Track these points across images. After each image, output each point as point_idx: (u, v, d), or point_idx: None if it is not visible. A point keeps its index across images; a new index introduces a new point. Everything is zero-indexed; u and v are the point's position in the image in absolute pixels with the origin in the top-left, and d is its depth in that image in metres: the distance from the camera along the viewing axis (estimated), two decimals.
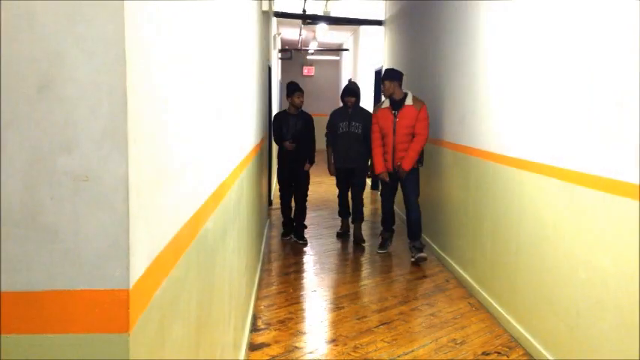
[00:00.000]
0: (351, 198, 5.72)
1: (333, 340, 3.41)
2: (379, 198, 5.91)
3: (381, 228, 5.45)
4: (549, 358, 2.97)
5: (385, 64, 8.12)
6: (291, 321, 3.68)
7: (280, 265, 5.02)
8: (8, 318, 0.89)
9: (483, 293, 4.00)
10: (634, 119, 2.26)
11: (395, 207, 5.41)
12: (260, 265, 4.66)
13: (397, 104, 4.94)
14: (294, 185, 5.71)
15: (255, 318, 3.68)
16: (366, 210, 6.19)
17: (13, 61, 0.86)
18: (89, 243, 0.90)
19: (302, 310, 3.93)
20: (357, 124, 5.45)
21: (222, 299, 2.15)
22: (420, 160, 4.97)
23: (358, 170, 5.59)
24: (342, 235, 5.94)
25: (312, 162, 5.67)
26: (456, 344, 3.37)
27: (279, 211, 6.17)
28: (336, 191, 5.91)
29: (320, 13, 8.56)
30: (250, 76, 3.69)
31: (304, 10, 8.39)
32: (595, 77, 2.56)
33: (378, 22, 8.61)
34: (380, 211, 5.62)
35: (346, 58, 14.10)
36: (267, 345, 3.29)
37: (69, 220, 0.89)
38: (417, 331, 3.58)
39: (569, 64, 2.80)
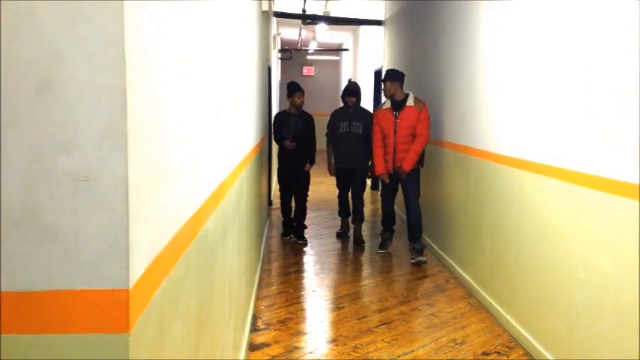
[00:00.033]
0: (352, 198, 5.71)
1: (333, 340, 3.41)
2: (379, 198, 5.91)
3: (381, 228, 5.45)
4: (549, 358, 2.97)
5: (385, 64, 8.12)
6: (291, 321, 3.68)
7: (280, 265, 5.02)
8: (8, 318, 0.89)
9: (483, 293, 4.00)
10: (633, 119, 2.26)
11: (395, 207, 5.41)
12: (260, 265, 4.66)
13: (398, 105, 4.94)
14: (295, 185, 5.71)
15: (255, 318, 3.68)
16: (366, 210, 6.19)
17: (13, 61, 0.86)
18: (89, 243, 0.90)
19: (302, 310, 3.93)
20: (358, 124, 5.44)
21: (222, 299, 2.15)
22: (420, 161, 4.96)
23: (359, 170, 5.58)
24: (341, 235, 5.94)
25: (312, 162, 5.67)
26: (456, 344, 3.37)
27: (279, 211, 6.17)
28: (336, 191, 5.90)
29: (320, 13, 8.56)
30: (250, 76, 3.69)
31: (304, 10, 8.39)
32: (594, 77, 2.56)
33: (378, 22, 8.61)
34: (380, 211, 5.62)
35: (346, 58, 14.11)
36: (267, 345, 3.29)
37: (68, 220, 0.89)
38: (417, 331, 3.58)
39: (568, 64, 2.80)
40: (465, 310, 3.92)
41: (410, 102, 4.89)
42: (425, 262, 4.89)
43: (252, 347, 3.26)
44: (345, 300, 4.12)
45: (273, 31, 8.95)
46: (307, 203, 5.83)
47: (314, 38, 12.79)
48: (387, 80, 4.99)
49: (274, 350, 3.23)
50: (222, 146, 2.17)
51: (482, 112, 4.07)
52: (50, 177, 0.88)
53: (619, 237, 2.37)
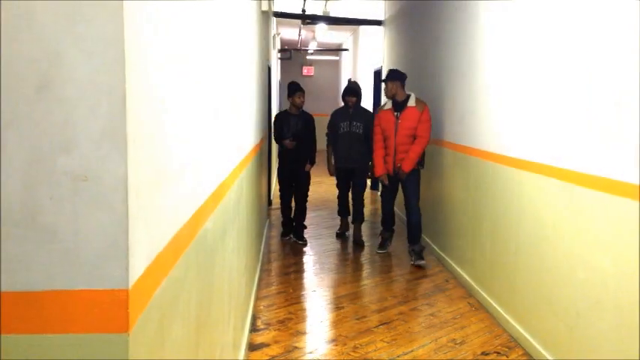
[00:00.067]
0: (352, 198, 5.71)
1: (333, 340, 3.41)
2: (379, 198, 5.91)
3: (381, 228, 5.45)
4: (549, 358, 2.97)
5: (385, 65, 8.12)
6: (291, 321, 3.68)
7: (280, 265, 5.02)
8: (8, 318, 0.89)
9: (483, 293, 4.00)
10: (633, 119, 2.27)
11: (395, 208, 5.41)
12: (260, 265, 4.66)
13: (399, 106, 4.92)
14: (295, 185, 5.71)
15: (254, 318, 3.68)
16: (366, 210, 6.19)
17: (13, 61, 0.86)
18: (88, 243, 0.90)
19: (301, 310, 3.93)
20: (359, 123, 5.44)
21: (222, 299, 2.16)
22: (421, 162, 4.94)
23: (359, 170, 5.58)
24: (341, 235, 5.94)
25: (312, 162, 5.67)
26: (456, 344, 3.37)
27: (278, 211, 6.17)
28: (336, 191, 5.90)
29: (319, 13, 8.57)
30: (249, 76, 3.69)
31: (304, 10, 8.40)
32: (594, 77, 2.56)
33: (378, 22, 8.61)
34: (380, 211, 5.62)
35: (346, 58, 14.11)
36: (267, 345, 3.29)
37: (68, 220, 0.89)
38: (417, 331, 3.58)
39: (568, 64, 2.80)
40: (465, 310, 3.92)
41: (411, 103, 4.88)
42: (425, 266, 4.88)
43: (252, 347, 3.26)
44: (344, 300, 4.12)
45: (273, 31, 8.95)
46: (307, 203, 5.83)
47: (314, 38, 12.79)
48: (389, 80, 4.97)
49: (274, 350, 3.23)
50: (222, 146, 2.17)
51: (482, 112, 4.08)
52: (50, 177, 0.88)
53: (619, 237, 2.37)
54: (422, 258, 4.91)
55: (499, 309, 3.68)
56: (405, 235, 5.20)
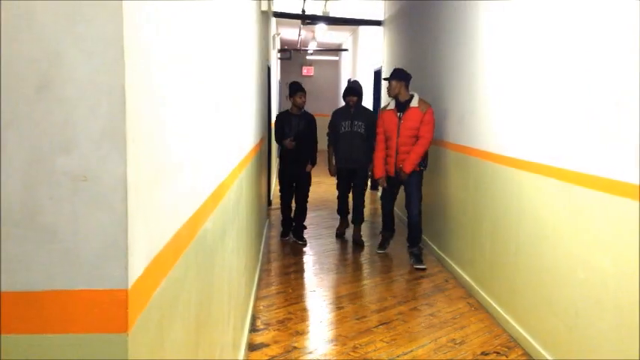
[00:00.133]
0: (352, 199, 5.70)
1: (333, 340, 3.41)
2: (379, 199, 5.90)
3: (381, 228, 5.44)
4: (548, 358, 2.97)
5: (384, 65, 8.12)
6: (291, 321, 3.68)
7: (280, 265, 5.02)
8: (8, 318, 0.89)
9: (482, 293, 4.00)
10: (633, 119, 2.27)
11: (395, 208, 5.40)
12: (259, 265, 4.66)
13: (402, 106, 4.90)
14: (296, 186, 5.70)
15: (254, 318, 3.68)
16: (366, 210, 6.18)
17: (13, 61, 0.86)
18: (88, 243, 0.90)
19: (301, 310, 3.93)
20: (360, 123, 5.43)
21: (222, 299, 2.16)
22: (423, 163, 4.90)
23: (360, 171, 5.57)
24: (341, 235, 5.93)
25: (313, 163, 5.66)
26: (455, 344, 3.37)
27: (278, 211, 6.17)
28: (336, 192, 5.89)
29: (319, 13, 8.57)
30: (249, 77, 3.69)
31: (303, 11, 8.40)
32: (593, 77, 2.56)
33: (377, 23, 8.61)
34: (379, 211, 5.62)
35: (345, 58, 14.11)
36: (267, 345, 3.29)
37: (68, 220, 0.89)
38: (417, 331, 3.58)
39: (567, 64, 2.80)
40: (465, 310, 3.92)
41: (414, 103, 4.84)
42: (424, 269, 4.86)
43: (252, 347, 3.26)
44: (344, 300, 4.12)
45: (273, 31, 8.95)
46: (307, 204, 5.83)
47: (313, 38, 12.80)
48: (393, 79, 4.92)
49: (273, 350, 3.23)
50: (222, 146, 2.17)
51: (482, 112, 4.08)
52: (50, 177, 0.88)
53: (618, 237, 2.38)
54: (421, 262, 4.90)
55: (499, 309, 3.68)
56: (405, 235, 5.20)
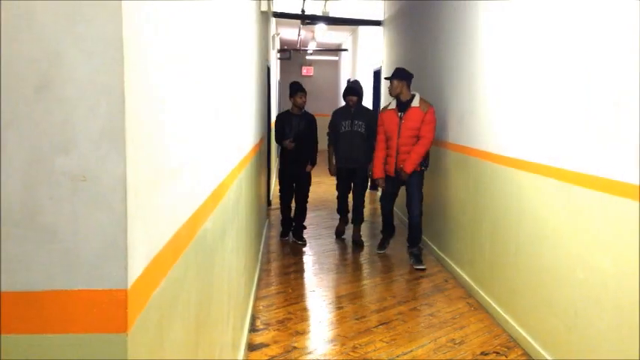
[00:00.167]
0: (352, 199, 5.70)
1: (332, 340, 3.41)
2: (378, 199, 5.90)
3: (381, 228, 5.44)
4: (548, 358, 2.97)
5: (384, 65, 8.12)
6: (290, 321, 3.68)
7: (279, 265, 5.02)
8: (8, 318, 0.89)
9: (482, 293, 4.00)
10: (632, 119, 2.27)
11: (395, 208, 5.40)
12: (259, 265, 4.66)
13: (403, 105, 4.88)
14: (296, 186, 5.70)
15: (253, 318, 3.68)
16: (366, 210, 6.18)
17: (13, 61, 0.86)
18: (87, 243, 0.90)
19: (301, 310, 3.93)
20: (360, 122, 5.43)
21: (221, 299, 2.16)
22: (424, 163, 4.89)
23: (360, 171, 5.57)
24: (340, 233, 5.93)
25: (314, 163, 5.66)
26: (455, 344, 3.37)
27: (278, 211, 6.17)
28: (336, 192, 5.88)
29: (319, 13, 8.58)
30: (249, 77, 3.69)
31: (303, 11, 8.40)
32: (592, 77, 2.57)
33: (377, 23, 8.61)
34: (379, 212, 5.61)
35: (345, 58, 14.11)
36: (266, 345, 3.29)
37: (67, 220, 0.89)
38: (416, 331, 3.58)
39: (566, 64, 2.80)
40: (464, 310, 3.92)
41: (415, 103, 4.82)
42: (424, 270, 4.86)
43: (251, 347, 3.26)
44: (344, 300, 4.12)
45: (272, 31, 8.95)
46: (307, 204, 5.83)
47: (313, 38, 12.80)
48: (395, 78, 4.89)
49: (273, 350, 3.23)
50: (221, 146, 2.17)
51: (481, 112, 4.08)
52: (49, 177, 0.88)
53: (618, 237, 2.38)
54: (420, 262, 4.90)
55: (498, 309, 3.69)
56: (405, 236, 5.20)
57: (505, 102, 3.63)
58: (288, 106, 5.73)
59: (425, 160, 4.89)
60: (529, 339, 3.21)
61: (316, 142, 5.64)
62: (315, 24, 9.37)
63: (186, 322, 1.44)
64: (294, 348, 3.28)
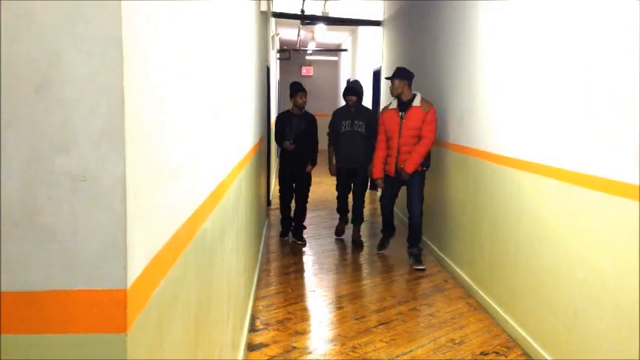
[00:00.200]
0: (352, 198, 5.70)
1: (332, 340, 3.41)
2: (378, 200, 5.90)
3: (381, 228, 5.44)
4: (547, 358, 2.97)
5: (384, 65, 8.13)
6: (290, 321, 3.68)
7: (279, 265, 5.02)
8: (8, 318, 0.89)
9: (482, 293, 4.00)
10: (632, 119, 2.27)
11: (395, 209, 5.40)
12: (259, 265, 4.66)
13: (404, 105, 4.86)
14: (296, 186, 5.70)
15: (253, 318, 3.68)
16: (366, 210, 6.18)
17: (13, 61, 0.86)
18: (87, 243, 0.90)
19: (301, 310, 3.93)
20: (361, 122, 5.43)
21: (221, 299, 2.16)
22: (425, 163, 4.87)
23: (360, 170, 5.57)
24: (340, 232, 5.93)
25: (314, 163, 5.66)
26: (455, 344, 3.37)
27: (277, 211, 6.17)
28: (336, 192, 5.88)
29: (318, 13, 8.58)
30: (248, 77, 3.69)
31: (303, 11, 8.41)
32: (592, 77, 2.57)
33: (377, 23, 8.62)
34: (379, 212, 5.61)
35: (345, 58, 14.11)
36: (266, 345, 3.29)
37: (67, 220, 0.89)
38: (416, 331, 3.58)
39: (566, 64, 2.81)
40: (464, 310, 3.92)
41: (416, 102, 4.80)
42: (424, 270, 4.86)
43: (251, 347, 3.26)
44: (343, 300, 4.12)
45: (272, 31, 8.95)
46: (307, 204, 5.83)
47: (313, 38, 12.81)
48: (396, 78, 4.87)
49: (273, 350, 3.23)
50: (221, 146, 2.17)
51: (481, 112, 4.08)
52: (49, 177, 0.88)
53: (618, 237, 2.38)
54: (420, 262, 4.90)
55: (498, 309, 3.69)
56: (405, 236, 5.20)
57: (505, 102, 3.63)
58: (288, 106, 5.73)
59: (426, 160, 4.88)
60: (529, 339, 3.21)
61: (316, 142, 5.64)
62: (314, 24, 9.37)
63: (186, 322, 1.44)
64: (294, 348, 3.28)
